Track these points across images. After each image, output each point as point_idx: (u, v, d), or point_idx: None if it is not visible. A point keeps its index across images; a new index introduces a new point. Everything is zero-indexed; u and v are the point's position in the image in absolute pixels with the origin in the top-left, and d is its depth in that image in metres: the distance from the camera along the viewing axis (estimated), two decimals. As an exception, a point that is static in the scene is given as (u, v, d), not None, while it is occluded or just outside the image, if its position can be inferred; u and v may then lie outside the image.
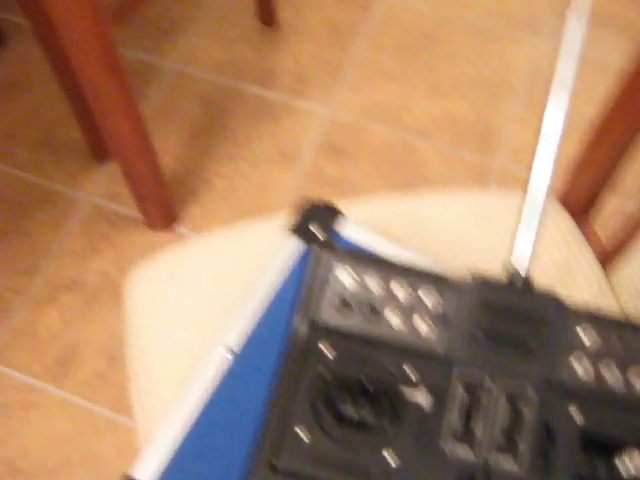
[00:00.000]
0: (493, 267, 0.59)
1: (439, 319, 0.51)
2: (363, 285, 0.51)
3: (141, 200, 1.28)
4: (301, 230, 0.62)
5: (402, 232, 0.74)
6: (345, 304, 0.51)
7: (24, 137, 1.49)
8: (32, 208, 1.40)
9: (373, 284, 0.51)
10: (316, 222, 0.62)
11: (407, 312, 0.51)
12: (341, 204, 0.65)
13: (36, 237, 1.37)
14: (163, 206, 1.30)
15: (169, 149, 1.45)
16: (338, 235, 0.62)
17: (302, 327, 0.52)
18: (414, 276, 0.52)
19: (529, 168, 0.57)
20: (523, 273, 0.54)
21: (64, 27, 0.99)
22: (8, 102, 1.54)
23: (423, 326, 0.51)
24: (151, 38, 1.62)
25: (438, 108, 1.50)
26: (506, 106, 1.49)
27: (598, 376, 0.50)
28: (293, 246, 0.62)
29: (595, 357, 0.51)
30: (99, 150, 1.42)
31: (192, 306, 0.71)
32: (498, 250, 0.70)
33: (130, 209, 1.38)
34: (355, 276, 0.51)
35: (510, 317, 0.52)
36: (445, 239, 0.73)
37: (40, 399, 1.22)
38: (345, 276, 0.51)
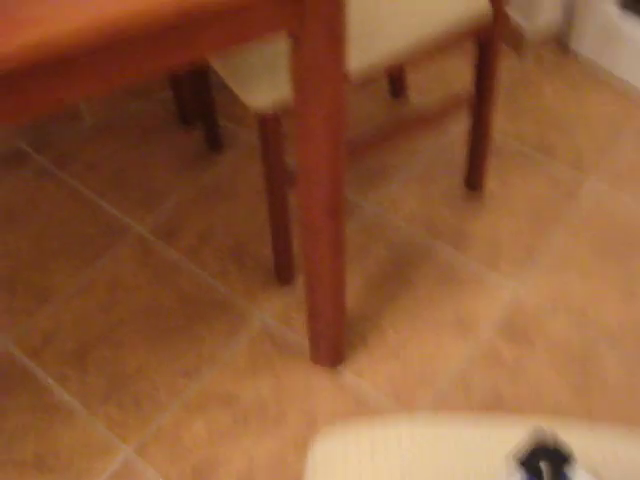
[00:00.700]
0: None
1: None
2: None
3: (315, 336, 1.28)
4: (528, 464, 0.58)
5: (612, 474, 0.68)
6: None
7: (216, 242, 1.55)
8: (207, 312, 1.43)
9: None
10: (546, 461, 0.58)
11: None
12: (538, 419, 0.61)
13: (205, 342, 1.39)
14: (335, 347, 1.29)
15: (349, 288, 1.46)
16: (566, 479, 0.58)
17: None
18: None
19: None
20: None
21: (303, 163, 1.03)
22: (210, 205, 1.61)
23: None
24: (359, 178, 1.66)
25: (629, 313, 1.43)
26: (703, 330, 1.41)
27: None
28: (517, 477, 0.58)
29: None
30: (284, 272, 1.44)
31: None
32: None
33: (299, 337, 1.39)
34: None
35: None
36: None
37: (166, 506, 1.21)
38: None
